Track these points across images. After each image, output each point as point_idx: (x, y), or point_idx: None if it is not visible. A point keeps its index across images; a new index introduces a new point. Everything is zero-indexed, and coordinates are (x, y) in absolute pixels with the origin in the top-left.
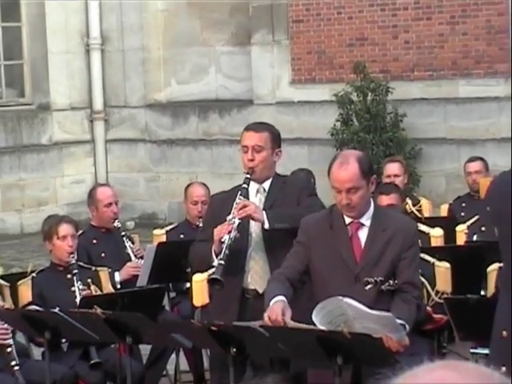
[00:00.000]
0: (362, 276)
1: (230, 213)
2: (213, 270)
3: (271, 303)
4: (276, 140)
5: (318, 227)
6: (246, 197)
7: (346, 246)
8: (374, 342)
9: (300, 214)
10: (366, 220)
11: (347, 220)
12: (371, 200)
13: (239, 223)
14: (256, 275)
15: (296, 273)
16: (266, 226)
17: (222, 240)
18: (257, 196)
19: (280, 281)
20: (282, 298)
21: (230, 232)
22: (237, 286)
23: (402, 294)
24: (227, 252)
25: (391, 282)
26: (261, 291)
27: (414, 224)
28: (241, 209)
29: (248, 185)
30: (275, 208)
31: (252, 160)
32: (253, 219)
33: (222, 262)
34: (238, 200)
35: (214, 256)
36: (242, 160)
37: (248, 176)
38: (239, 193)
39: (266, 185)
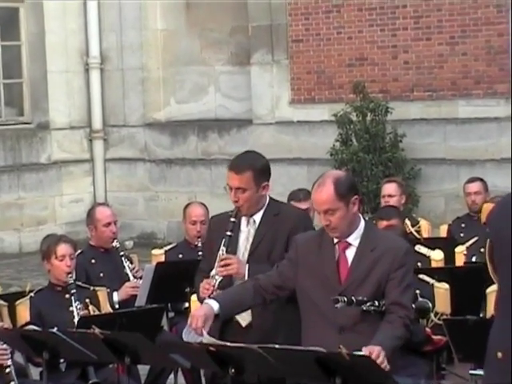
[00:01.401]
0: (346, 295)
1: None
2: None
3: (204, 302)
4: (260, 176)
5: (308, 246)
6: (236, 230)
7: (331, 265)
8: (373, 364)
9: None
10: (355, 239)
11: (335, 239)
12: (361, 219)
13: (221, 279)
14: None
15: (270, 285)
16: None
17: (206, 301)
18: (247, 227)
19: (242, 286)
20: (215, 304)
21: (212, 292)
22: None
23: (388, 315)
24: None
25: (376, 302)
26: (244, 324)
27: (406, 245)
28: (223, 266)
29: (236, 218)
30: (264, 243)
31: (237, 201)
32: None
33: None
34: (220, 252)
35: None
36: (229, 195)
37: (235, 213)
38: (223, 241)
39: (257, 217)
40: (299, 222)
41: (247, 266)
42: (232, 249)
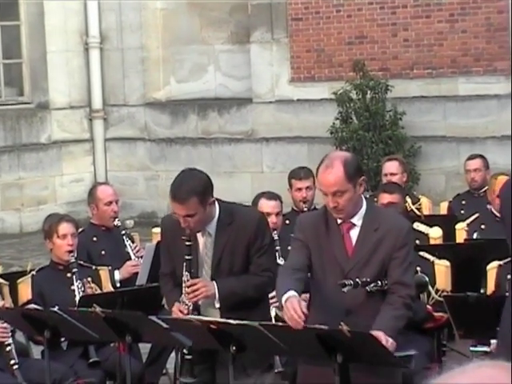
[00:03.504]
0: (351, 276)
1: (181, 244)
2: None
3: (283, 300)
4: (205, 197)
5: (315, 226)
6: (193, 249)
7: (339, 244)
8: (374, 341)
9: (255, 286)
10: (358, 220)
11: (339, 220)
12: (363, 199)
13: (193, 305)
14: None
15: (305, 266)
16: (217, 306)
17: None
18: (203, 237)
19: (288, 275)
20: (293, 293)
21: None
22: None
23: (389, 295)
24: None
25: (379, 282)
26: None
27: (408, 224)
28: (191, 292)
29: (190, 240)
30: (225, 258)
31: (188, 225)
32: None
33: None
34: (185, 277)
35: None
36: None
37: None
38: (184, 266)
39: (211, 227)
40: (256, 229)
41: (215, 283)
42: (194, 270)
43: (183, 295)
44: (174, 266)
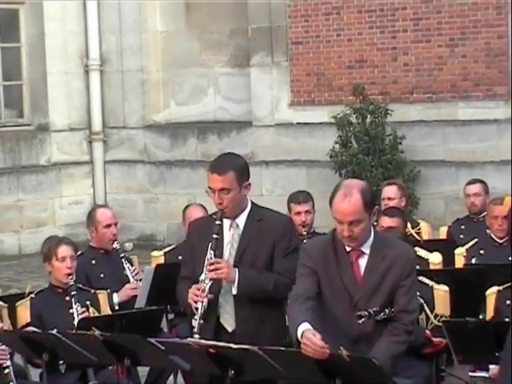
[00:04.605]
0: (360, 304)
1: (207, 244)
2: (194, 329)
3: (299, 333)
4: (242, 175)
5: (324, 253)
6: (220, 232)
7: (348, 272)
8: (373, 365)
9: (275, 284)
10: (366, 248)
11: (347, 248)
12: (371, 228)
13: (211, 284)
14: (226, 314)
15: (314, 294)
16: (234, 292)
17: (197, 306)
18: (230, 230)
19: (300, 304)
20: (307, 325)
21: (202, 298)
22: (211, 322)
23: (392, 323)
24: (204, 310)
25: (387, 311)
26: (229, 330)
27: (413, 251)
28: (212, 270)
29: (221, 221)
30: (250, 251)
31: (221, 203)
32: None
33: (201, 321)
34: (209, 255)
35: (193, 308)
36: (212, 198)
37: (220, 216)
38: (210, 245)
39: (240, 220)
40: (284, 229)
41: (237, 270)
42: (219, 252)
43: (203, 274)
44: (195, 269)
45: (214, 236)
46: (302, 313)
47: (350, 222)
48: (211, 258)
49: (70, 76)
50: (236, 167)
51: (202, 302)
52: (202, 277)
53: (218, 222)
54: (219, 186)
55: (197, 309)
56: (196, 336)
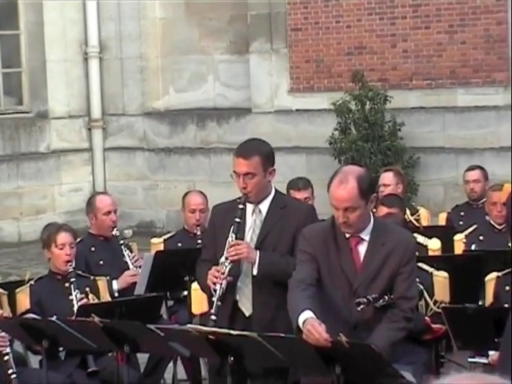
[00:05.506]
0: (359, 291)
1: (229, 228)
2: (211, 310)
3: (300, 320)
4: (267, 161)
5: (323, 239)
6: (243, 217)
7: (348, 259)
8: (373, 352)
9: (295, 266)
10: (366, 235)
11: (347, 234)
12: (371, 215)
13: (231, 266)
14: (244, 297)
15: (314, 280)
16: (255, 272)
17: (216, 288)
18: (253, 216)
19: (301, 291)
20: (310, 313)
21: (221, 280)
22: (228, 305)
23: (392, 310)
24: (223, 292)
25: (386, 297)
26: (247, 314)
27: (413, 238)
28: (234, 251)
29: (245, 205)
30: (271, 237)
31: (245, 187)
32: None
33: (219, 303)
34: (230, 238)
35: (212, 290)
36: (236, 182)
37: (244, 200)
38: (232, 229)
39: (263, 206)
40: (307, 217)
41: (258, 252)
42: (240, 236)
43: (223, 257)
44: (216, 252)
45: (237, 220)
46: (305, 300)
47: (344, 208)
48: (232, 240)
49: (69, 63)
50: (261, 152)
51: (221, 284)
52: (222, 259)
53: (241, 206)
54: (244, 170)
55: (215, 290)
56: (213, 317)
